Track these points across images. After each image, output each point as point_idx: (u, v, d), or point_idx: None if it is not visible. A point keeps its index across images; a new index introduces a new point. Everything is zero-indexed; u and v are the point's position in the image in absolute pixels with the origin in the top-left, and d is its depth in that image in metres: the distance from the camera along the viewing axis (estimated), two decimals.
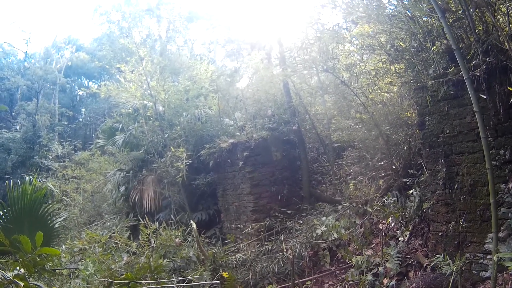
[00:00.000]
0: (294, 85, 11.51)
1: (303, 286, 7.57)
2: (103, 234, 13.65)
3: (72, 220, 14.72)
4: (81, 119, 35.90)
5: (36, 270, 5.79)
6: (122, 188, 13.54)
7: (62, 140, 28.22)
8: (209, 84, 13.30)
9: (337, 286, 7.46)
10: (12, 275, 3.32)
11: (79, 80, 39.13)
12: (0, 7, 59.36)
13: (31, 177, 8.43)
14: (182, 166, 10.84)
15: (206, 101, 13.35)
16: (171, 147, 11.31)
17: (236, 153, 10.70)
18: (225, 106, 13.10)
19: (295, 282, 6.88)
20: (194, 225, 7.91)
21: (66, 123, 32.11)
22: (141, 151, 13.44)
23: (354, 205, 8.91)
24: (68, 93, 37.11)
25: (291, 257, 6.88)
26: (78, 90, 37.67)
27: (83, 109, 37.31)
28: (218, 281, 6.70)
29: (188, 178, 11.38)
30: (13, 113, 34.51)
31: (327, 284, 7.65)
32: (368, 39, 8.74)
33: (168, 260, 7.93)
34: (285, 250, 8.16)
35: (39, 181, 19.02)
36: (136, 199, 12.42)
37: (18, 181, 8.02)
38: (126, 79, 14.07)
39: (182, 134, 12.33)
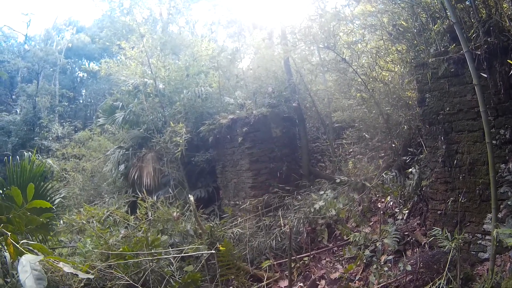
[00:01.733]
0: (295, 63, 11.47)
1: (300, 262, 7.59)
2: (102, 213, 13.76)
3: (71, 198, 14.72)
4: (81, 100, 35.87)
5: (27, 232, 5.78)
6: (122, 167, 13.54)
7: (62, 121, 28.23)
8: (210, 61, 13.20)
9: (334, 262, 7.49)
10: None
11: (79, 61, 38.99)
12: None
13: (30, 153, 8.36)
14: (181, 141, 10.80)
15: (207, 78, 13.30)
16: (171, 123, 11.26)
17: (235, 129, 10.62)
18: (226, 84, 13.07)
19: (292, 257, 6.86)
20: (192, 198, 7.89)
21: (66, 104, 32.11)
22: (140, 129, 13.42)
23: (353, 179, 8.93)
24: (68, 74, 37.04)
25: (288, 231, 6.86)
26: (79, 72, 37.62)
27: (84, 90, 37.27)
28: (213, 251, 6.68)
29: (187, 155, 11.40)
30: (13, 96, 34.49)
31: (325, 261, 7.66)
32: (370, 18, 8.70)
33: (166, 235, 7.93)
34: (282, 226, 8.16)
35: (38, 159, 19.08)
36: (136, 177, 12.41)
37: (17, 157, 7.98)
38: (126, 56, 14.07)
39: (182, 111, 12.27)
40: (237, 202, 10.56)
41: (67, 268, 2.53)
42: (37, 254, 3.01)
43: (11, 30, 40.51)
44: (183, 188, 11.65)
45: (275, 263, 7.56)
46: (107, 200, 14.37)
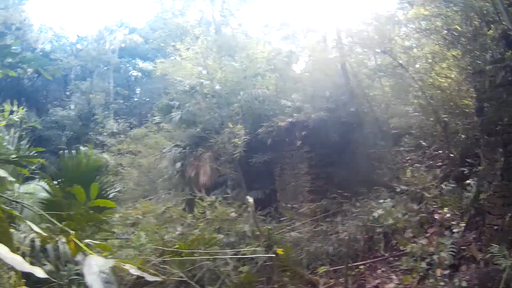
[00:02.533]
0: (352, 67, 11.36)
1: (356, 270, 7.49)
2: (158, 207, 14.04)
3: (126, 193, 15.06)
4: (136, 98, 36.56)
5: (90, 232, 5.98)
6: (178, 164, 13.71)
7: (117, 118, 28.90)
8: (266, 63, 13.25)
9: (390, 272, 7.38)
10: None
11: (133, 61, 39.70)
12: None
13: (86, 147, 8.56)
14: (239, 142, 10.88)
15: (264, 81, 13.26)
16: (230, 124, 11.32)
17: (294, 133, 10.63)
18: (282, 86, 13.07)
19: (348, 265, 6.85)
20: (251, 200, 7.93)
21: (122, 101, 32.85)
22: (197, 129, 13.55)
23: (411, 189, 8.79)
24: (122, 73, 37.76)
25: (346, 238, 6.86)
26: (133, 71, 38.41)
27: (138, 89, 37.98)
28: (273, 255, 6.72)
29: (245, 157, 11.45)
30: (67, 93, 35.55)
31: (380, 270, 7.55)
32: (424, 22, 8.61)
33: (222, 234, 8.03)
34: (340, 232, 8.10)
35: (95, 153, 19.59)
36: (192, 175, 12.60)
37: (73, 151, 8.13)
38: (182, 57, 14.21)
39: (240, 112, 12.39)
40: (295, 205, 10.51)
41: (134, 270, 2.59)
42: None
43: (62, 30, 41.94)
44: (240, 188, 11.74)
45: (331, 269, 7.43)
46: (162, 195, 14.69)
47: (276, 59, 13.19)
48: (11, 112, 5.47)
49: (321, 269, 7.23)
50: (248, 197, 8.34)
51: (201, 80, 13.57)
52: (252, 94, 12.66)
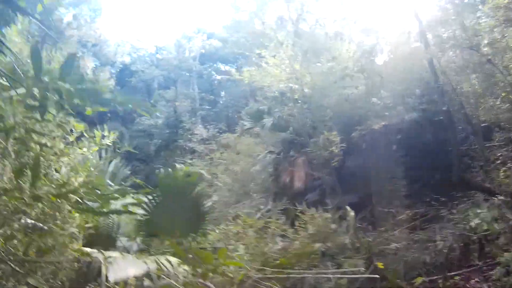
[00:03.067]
0: (439, 63, 11.17)
1: (450, 280, 7.41)
2: (250, 213, 14.48)
3: (220, 199, 15.58)
4: (221, 102, 37.37)
5: None
6: (271, 169, 14.09)
7: (206, 124, 29.72)
8: (354, 64, 13.18)
9: (482, 283, 7.30)
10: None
11: (214, 65, 40.52)
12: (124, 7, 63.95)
13: (182, 165, 9.00)
14: (336, 151, 10.91)
15: (352, 81, 13.25)
16: (325, 132, 11.39)
17: (388, 136, 10.74)
18: (369, 85, 12.96)
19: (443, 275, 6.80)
20: (352, 213, 8.04)
21: (209, 107, 33.76)
22: (290, 134, 13.77)
23: (509, 199, 8.52)
24: (205, 78, 38.58)
25: (441, 248, 6.83)
26: (216, 75, 39.25)
27: (223, 92, 38.82)
28: (377, 275, 6.74)
29: (339, 160, 11.48)
30: (151, 101, 37.08)
31: (474, 281, 7.47)
32: (505, 11, 8.39)
33: (321, 244, 8.23)
34: (437, 241, 7.99)
35: (187, 164, 20.39)
36: (287, 181, 12.93)
37: (169, 169, 8.59)
38: (268, 64, 14.50)
39: (331, 115, 12.43)
40: (391, 210, 10.44)
41: None
42: None
43: (140, 42, 43.75)
44: (334, 192, 11.79)
45: (427, 279, 7.40)
46: (254, 200, 15.12)
47: (363, 58, 13.02)
48: (103, 137, 5.63)
49: (418, 280, 7.20)
50: (347, 207, 8.41)
51: (290, 85, 13.80)
52: (342, 96, 12.72)
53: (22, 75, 3.05)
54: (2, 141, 4.57)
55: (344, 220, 8.83)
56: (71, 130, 4.58)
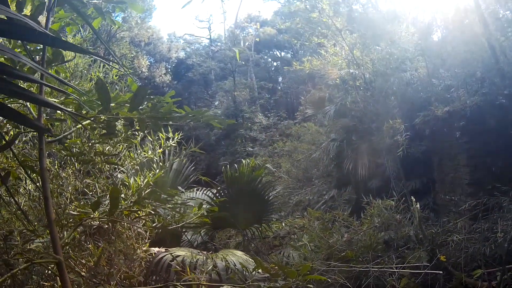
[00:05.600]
0: (499, 42, 10.76)
1: (508, 274, 7.00)
2: (313, 200, 14.58)
3: (283, 188, 15.74)
4: (279, 87, 37.53)
5: None
6: (333, 156, 14.27)
7: (266, 112, 30.00)
8: (414, 48, 12.85)
9: None
10: None
11: (270, 52, 40.81)
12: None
13: (248, 160, 9.19)
14: (401, 139, 10.69)
15: (412, 64, 12.98)
16: (389, 120, 11.17)
17: (452, 123, 10.46)
18: (429, 67, 12.49)
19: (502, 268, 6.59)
20: (417, 205, 7.94)
21: (268, 96, 34.07)
22: (354, 121, 13.84)
23: None
24: (262, 67, 38.97)
25: (502, 240, 6.63)
26: (273, 62, 39.46)
27: (280, 78, 38.98)
28: (440, 271, 6.71)
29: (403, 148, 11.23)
30: (209, 92, 37.63)
31: None
32: None
33: (387, 238, 8.22)
34: (498, 232, 7.71)
35: (248, 151, 20.60)
36: (350, 168, 13.02)
37: (235, 165, 8.83)
38: (328, 52, 14.61)
39: (393, 100, 12.41)
40: (453, 198, 10.36)
41: None
42: None
43: (192, 36, 44.56)
44: (397, 178, 11.76)
45: (485, 272, 7.09)
46: (316, 186, 15.19)
47: (424, 40, 12.61)
48: (167, 139, 5.71)
49: (476, 272, 6.99)
50: (413, 198, 8.32)
51: (351, 71, 13.74)
52: (403, 80, 12.50)
53: (88, 109, 3.17)
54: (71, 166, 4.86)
55: (408, 211, 8.73)
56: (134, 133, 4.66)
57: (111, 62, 5.77)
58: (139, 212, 4.48)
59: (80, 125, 3.64)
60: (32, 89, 3.60)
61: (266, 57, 40.17)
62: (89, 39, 9.26)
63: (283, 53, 40.83)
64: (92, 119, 3.24)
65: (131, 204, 4.31)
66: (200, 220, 5.05)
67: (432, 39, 13.60)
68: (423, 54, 12.34)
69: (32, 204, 4.58)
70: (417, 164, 11.77)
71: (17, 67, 3.00)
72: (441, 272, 6.74)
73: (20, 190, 4.60)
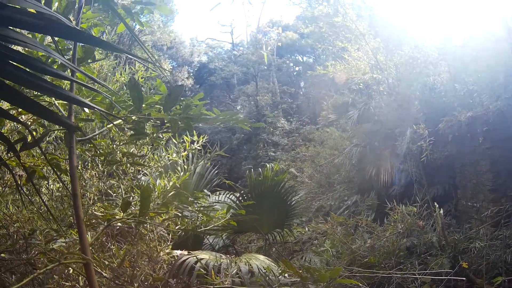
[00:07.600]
0: None
1: None
2: (334, 205, 14.60)
3: (305, 193, 15.77)
4: (301, 92, 37.51)
5: None
6: (356, 161, 14.27)
7: (289, 117, 30.02)
8: (437, 52, 12.76)
9: None
10: None
11: (292, 57, 40.84)
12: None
13: (271, 164, 9.25)
14: (425, 145, 10.68)
15: (436, 69, 12.81)
16: (413, 125, 11.18)
17: (474, 128, 10.36)
18: (452, 71, 12.38)
19: None
20: (441, 212, 7.92)
21: (290, 100, 34.09)
22: (377, 126, 13.78)
23: None
24: (284, 71, 39.01)
25: None
26: (295, 66, 39.47)
27: (302, 83, 38.99)
28: (463, 278, 6.70)
29: (426, 153, 11.19)
30: (231, 97, 37.81)
31: None
32: None
33: (408, 239, 8.23)
34: None
35: (270, 156, 20.61)
36: (373, 174, 12.98)
37: (259, 169, 8.90)
38: (351, 57, 14.60)
39: (416, 105, 12.28)
40: (475, 204, 10.23)
41: None
42: None
43: (215, 41, 44.94)
44: (419, 184, 11.69)
45: (506, 279, 6.98)
46: (338, 192, 15.19)
47: (447, 45, 12.54)
48: (192, 142, 5.72)
49: (497, 280, 6.91)
50: (436, 204, 8.25)
51: (374, 75, 13.72)
52: (427, 85, 12.43)
53: (120, 108, 3.22)
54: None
55: (430, 217, 8.71)
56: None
57: (148, 64, 5.81)
58: (163, 214, 4.47)
59: (111, 125, 3.66)
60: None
61: (288, 61, 40.19)
62: (113, 42, 9.43)
63: (305, 58, 40.84)
64: (123, 118, 3.31)
65: (157, 206, 4.34)
66: (225, 223, 5.10)
67: (455, 44, 13.48)
68: (446, 58, 12.25)
69: (54, 204, 4.70)
70: (439, 169, 11.69)
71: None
72: (463, 278, 6.73)
73: (42, 190, 4.72)
